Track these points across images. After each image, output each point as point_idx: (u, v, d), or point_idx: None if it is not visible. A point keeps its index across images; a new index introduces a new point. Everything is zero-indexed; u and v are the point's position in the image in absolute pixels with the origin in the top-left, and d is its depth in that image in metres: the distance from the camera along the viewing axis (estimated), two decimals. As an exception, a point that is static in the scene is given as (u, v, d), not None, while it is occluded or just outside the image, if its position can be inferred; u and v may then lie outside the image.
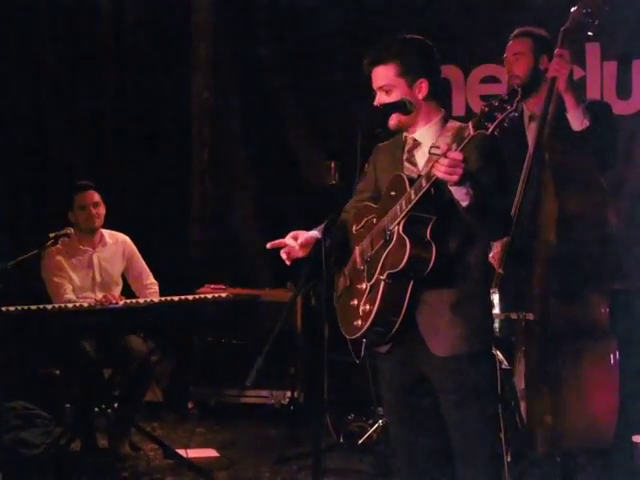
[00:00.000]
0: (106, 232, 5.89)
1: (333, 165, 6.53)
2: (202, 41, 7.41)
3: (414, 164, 3.44)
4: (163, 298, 5.53)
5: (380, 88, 3.43)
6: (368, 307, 3.38)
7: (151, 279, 5.95)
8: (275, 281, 6.97)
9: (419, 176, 3.28)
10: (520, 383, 4.58)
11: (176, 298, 5.45)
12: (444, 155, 3.06)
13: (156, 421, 6.46)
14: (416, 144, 3.44)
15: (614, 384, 4.42)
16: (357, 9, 6.88)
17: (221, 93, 7.43)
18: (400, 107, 3.39)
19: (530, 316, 4.51)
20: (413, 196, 3.23)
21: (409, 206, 3.24)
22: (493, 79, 6.47)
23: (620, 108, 6.11)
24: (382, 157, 3.57)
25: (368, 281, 3.41)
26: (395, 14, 6.72)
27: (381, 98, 3.43)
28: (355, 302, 3.48)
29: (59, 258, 5.70)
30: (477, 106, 6.53)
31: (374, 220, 3.48)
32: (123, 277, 5.96)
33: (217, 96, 7.43)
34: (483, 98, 6.45)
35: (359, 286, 3.48)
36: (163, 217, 7.11)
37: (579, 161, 4.49)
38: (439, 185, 3.17)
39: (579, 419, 4.39)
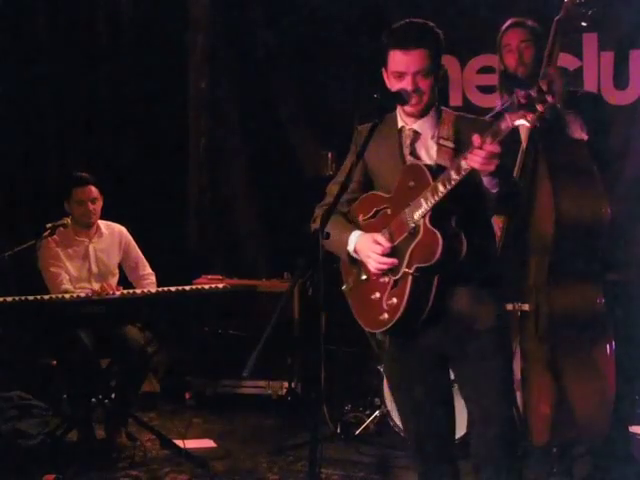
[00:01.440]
0: (102, 223, 5.88)
1: (330, 156, 6.54)
2: (199, 32, 7.39)
3: (417, 157, 3.42)
4: (160, 289, 5.53)
5: (416, 72, 3.34)
6: (395, 301, 3.35)
7: (148, 269, 5.95)
8: (272, 271, 6.97)
9: (438, 166, 3.30)
10: (516, 373, 4.59)
11: (173, 289, 5.45)
12: (480, 147, 3.05)
13: (153, 411, 6.47)
14: (417, 136, 3.43)
15: (610, 375, 4.43)
16: (355, 3, 6.86)
17: (218, 84, 7.41)
18: (398, 98, 3.38)
19: (525, 307, 4.52)
20: (441, 188, 3.20)
21: (438, 198, 3.21)
22: (490, 69, 6.45)
23: (617, 98, 6.12)
24: (374, 145, 3.44)
25: (393, 275, 3.37)
26: (394, 9, 6.71)
27: (416, 82, 3.35)
28: (377, 295, 3.44)
29: (55, 249, 5.70)
30: (474, 97, 6.53)
31: (388, 211, 3.44)
32: (120, 268, 5.96)
33: (214, 87, 7.41)
34: (480, 89, 6.45)
35: (381, 279, 3.43)
36: (160, 208, 7.10)
37: (574, 152, 4.50)
38: (466, 177, 3.17)
39: (575, 410, 4.40)
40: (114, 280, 5.84)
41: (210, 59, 7.40)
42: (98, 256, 5.84)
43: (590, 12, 4.36)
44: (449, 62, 6.55)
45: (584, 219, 4.44)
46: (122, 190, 7.02)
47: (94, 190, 5.75)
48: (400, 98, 3.37)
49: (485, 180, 3.17)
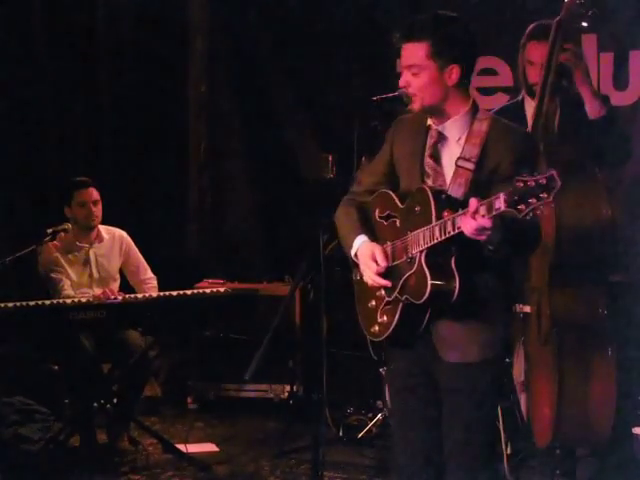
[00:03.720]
0: (103, 227, 5.88)
1: (331, 158, 6.52)
2: (198, 35, 7.39)
3: (437, 160, 3.24)
4: (161, 293, 5.53)
5: (408, 67, 3.17)
6: (386, 319, 3.26)
7: (149, 273, 5.95)
8: (273, 275, 6.97)
9: (447, 197, 3.11)
10: (519, 375, 4.59)
11: (174, 293, 5.45)
12: (472, 216, 2.86)
13: (155, 416, 6.46)
14: (441, 137, 3.23)
15: (613, 377, 4.42)
16: (353, 4, 6.86)
17: (218, 87, 7.41)
18: (397, 101, 3.31)
19: (527, 309, 4.51)
20: (437, 234, 3.04)
21: (432, 242, 3.06)
22: (491, 71, 6.47)
23: (617, 99, 6.10)
24: (402, 138, 3.33)
25: (387, 294, 3.26)
26: (394, 10, 6.71)
27: (407, 79, 3.18)
28: (373, 304, 3.34)
29: (55, 254, 5.69)
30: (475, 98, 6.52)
31: (397, 222, 3.29)
32: (121, 273, 5.96)
33: (214, 90, 7.41)
34: (480, 90, 6.44)
35: (377, 292, 3.32)
36: (161, 212, 7.11)
37: (574, 152, 4.49)
38: None
39: (577, 412, 4.40)
40: (116, 285, 5.84)
41: (210, 62, 7.40)
42: (99, 261, 5.83)
43: (590, 12, 4.35)
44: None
45: (585, 221, 4.43)
46: (122, 194, 7.02)
47: (95, 192, 5.75)
48: (399, 100, 3.29)
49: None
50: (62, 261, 5.72)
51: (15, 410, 5.79)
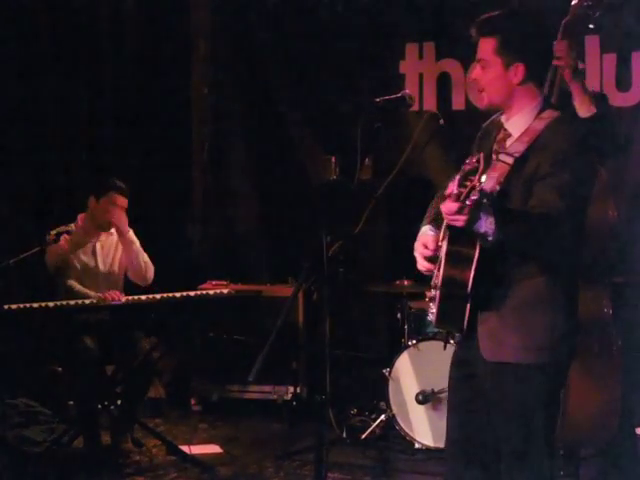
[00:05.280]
0: None
1: (334, 160, 6.54)
2: (201, 37, 7.40)
3: (502, 158, 3.19)
4: (165, 295, 5.53)
5: (478, 61, 3.22)
6: (433, 308, 3.25)
7: (146, 258, 5.91)
8: (276, 276, 6.98)
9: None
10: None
11: (178, 294, 5.46)
12: (447, 199, 2.88)
13: (159, 417, 6.46)
14: (506, 134, 3.23)
15: (616, 378, 4.42)
16: (356, 5, 6.87)
17: (221, 89, 7.42)
18: (400, 102, 3.33)
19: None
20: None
21: (446, 230, 3.10)
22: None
23: (620, 100, 6.11)
24: (483, 139, 3.36)
25: (436, 279, 3.24)
26: (395, 11, 6.72)
27: (477, 72, 3.23)
28: (432, 293, 3.31)
29: (64, 246, 5.68)
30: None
31: None
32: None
33: (217, 92, 7.42)
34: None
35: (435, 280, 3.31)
36: (164, 213, 7.11)
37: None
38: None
39: (582, 412, 4.39)
40: (120, 281, 5.85)
41: (212, 64, 7.41)
42: (105, 253, 5.84)
43: (597, 14, 4.35)
44: (452, 66, 6.58)
45: (590, 221, 4.42)
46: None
47: (126, 202, 5.81)
48: (402, 102, 3.31)
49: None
50: (69, 252, 5.71)
51: (19, 412, 5.80)
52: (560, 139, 3.11)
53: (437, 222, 3.34)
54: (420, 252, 3.31)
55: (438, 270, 3.20)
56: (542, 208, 3.03)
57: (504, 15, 3.22)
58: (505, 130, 3.24)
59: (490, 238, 2.96)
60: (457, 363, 3.38)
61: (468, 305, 3.10)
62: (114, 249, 5.90)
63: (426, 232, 3.35)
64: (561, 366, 3.23)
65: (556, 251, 3.11)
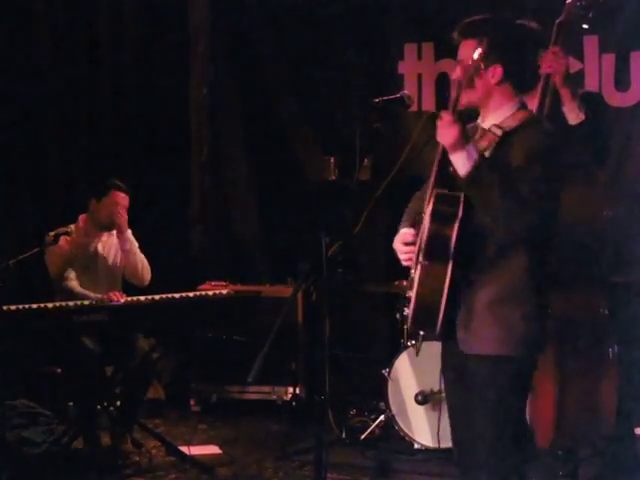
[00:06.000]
0: None
1: (333, 161, 6.54)
2: (200, 38, 7.40)
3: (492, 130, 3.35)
4: (164, 295, 5.52)
5: (460, 61, 3.33)
6: (411, 293, 3.32)
7: (143, 258, 5.90)
8: (275, 277, 6.98)
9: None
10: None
11: (177, 295, 5.45)
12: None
13: (158, 418, 6.47)
14: (483, 133, 3.35)
15: (613, 379, 4.42)
16: (356, 6, 6.87)
17: (219, 90, 7.42)
18: (399, 102, 3.36)
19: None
20: (435, 167, 3.26)
21: (431, 179, 3.26)
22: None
23: (619, 100, 6.12)
24: None
25: (415, 269, 3.35)
26: (394, 11, 6.72)
27: (457, 73, 3.33)
28: (410, 293, 3.38)
29: (65, 246, 5.68)
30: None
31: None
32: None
33: (215, 93, 7.42)
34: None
35: (413, 275, 3.39)
36: (163, 214, 7.10)
37: (576, 156, 4.49)
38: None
39: (578, 411, 4.40)
40: (120, 282, 5.84)
41: (211, 64, 7.41)
42: (106, 253, 5.85)
43: (591, 14, 4.35)
44: (451, 65, 6.57)
45: (586, 221, 4.43)
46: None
47: (128, 201, 5.82)
48: (401, 102, 3.35)
49: (451, 159, 3.18)
50: (70, 252, 5.70)
51: (18, 413, 5.79)
52: (532, 136, 3.22)
53: (417, 223, 3.46)
54: (399, 245, 3.44)
55: (414, 268, 3.31)
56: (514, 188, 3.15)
57: (487, 19, 3.35)
58: (482, 130, 3.35)
59: (462, 172, 3.12)
60: (446, 367, 3.48)
61: (444, 301, 3.18)
62: (115, 250, 5.91)
63: (404, 232, 3.49)
64: (533, 358, 3.36)
65: (515, 223, 3.17)
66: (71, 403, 6.07)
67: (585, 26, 4.44)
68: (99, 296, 5.49)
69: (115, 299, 5.39)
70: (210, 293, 5.71)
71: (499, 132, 3.27)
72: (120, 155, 7.33)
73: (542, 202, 3.16)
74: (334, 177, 6.44)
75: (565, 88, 4.31)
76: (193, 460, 5.42)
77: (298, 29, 7.07)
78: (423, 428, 5.59)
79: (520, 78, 3.35)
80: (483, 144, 3.27)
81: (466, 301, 3.25)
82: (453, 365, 3.42)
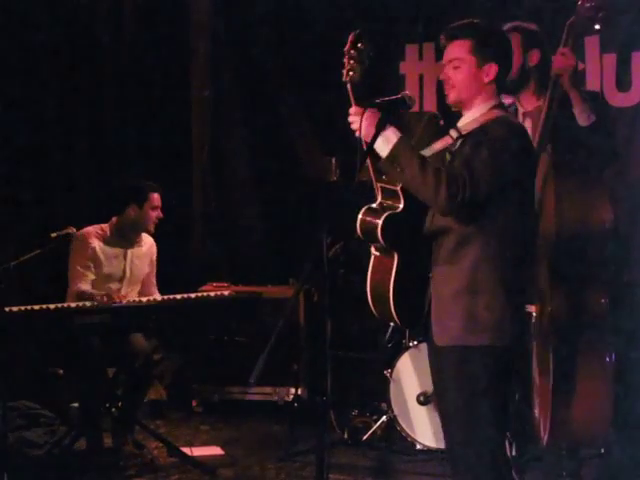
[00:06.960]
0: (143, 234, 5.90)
1: (334, 161, 6.54)
2: (201, 39, 7.40)
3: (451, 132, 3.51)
4: (166, 296, 5.53)
5: (449, 62, 3.43)
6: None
7: (155, 291, 5.91)
8: (277, 278, 6.97)
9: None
10: (535, 377, 4.57)
11: (179, 296, 5.46)
12: None
13: (160, 419, 6.47)
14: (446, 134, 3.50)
15: (611, 378, 4.42)
16: (356, 6, 6.87)
17: (221, 91, 7.42)
18: (400, 103, 3.38)
19: (532, 309, 4.51)
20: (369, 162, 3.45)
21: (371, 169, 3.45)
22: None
23: (620, 100, 6.11)
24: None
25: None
26: (394, 14, 6.72)
27: (447, 73, 3.44)
28: None
29: (95, 243, 5.66)
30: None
31: None
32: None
33: (217, 93, 7.42)
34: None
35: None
36: (165, 215, 7.10)
37: (580, 158, 4.49)
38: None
39: (574, 411, 4.40)
40: (136, 289, 5.84)
41: (213, 65, 7.41)
42: (134, 262, 5.83)
43: (601, 15, 4.35)
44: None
45: (587, 223, 4.43)
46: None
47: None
48: (402, 103, 3.37)
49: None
50: (99, 251, 5.69)
51: (20, 414, 5.79)
52: (496, 128, 3.30)
53: None
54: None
55: None
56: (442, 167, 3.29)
57: (475, 22, 3.47)
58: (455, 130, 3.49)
59: (383, 153, 3.29)
60: (432, 369, 3.55)
61: (391, 292, 3.34)
62: (142, 258, 5.89)
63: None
64: (507, 349, 3.34)
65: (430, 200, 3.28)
66: (73, 404, 6.06)
67: (597, 27, 4.46)
68: (103, 293, 5.45)
69: (116, 300, 5.39)
70: (212, 294, 5.72)
71: (455, 134, 3.40)
72: (121, 155, 7.33)
73: (477, 183, 3.19)
74: (335, 177, 6.43)
75: (574, 90, 4.31)
76: (195, 461, 5.42)
77: (298, 29, 7.07)
78: (425, 429, 5.59)
79: (504, 80, 3.45)
80: (437, 146, 3.43)
81: (435, 294, 3.37)
82: (436, 366, 3.49)
